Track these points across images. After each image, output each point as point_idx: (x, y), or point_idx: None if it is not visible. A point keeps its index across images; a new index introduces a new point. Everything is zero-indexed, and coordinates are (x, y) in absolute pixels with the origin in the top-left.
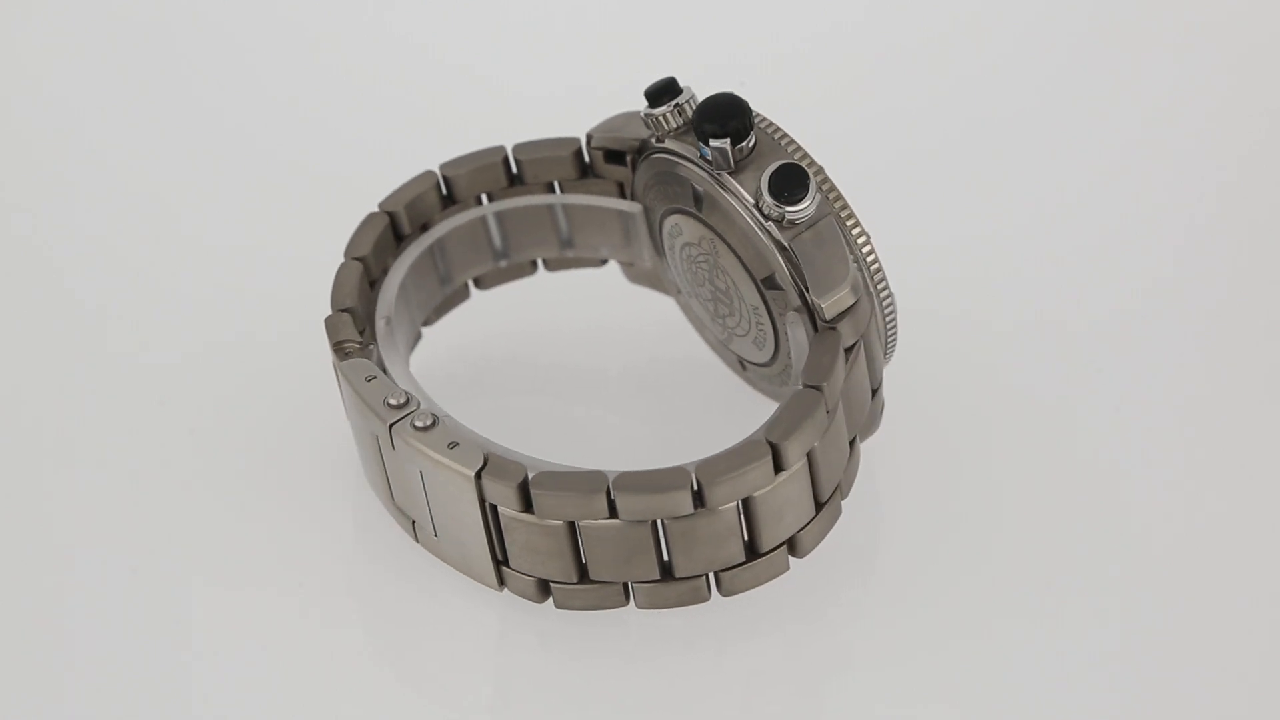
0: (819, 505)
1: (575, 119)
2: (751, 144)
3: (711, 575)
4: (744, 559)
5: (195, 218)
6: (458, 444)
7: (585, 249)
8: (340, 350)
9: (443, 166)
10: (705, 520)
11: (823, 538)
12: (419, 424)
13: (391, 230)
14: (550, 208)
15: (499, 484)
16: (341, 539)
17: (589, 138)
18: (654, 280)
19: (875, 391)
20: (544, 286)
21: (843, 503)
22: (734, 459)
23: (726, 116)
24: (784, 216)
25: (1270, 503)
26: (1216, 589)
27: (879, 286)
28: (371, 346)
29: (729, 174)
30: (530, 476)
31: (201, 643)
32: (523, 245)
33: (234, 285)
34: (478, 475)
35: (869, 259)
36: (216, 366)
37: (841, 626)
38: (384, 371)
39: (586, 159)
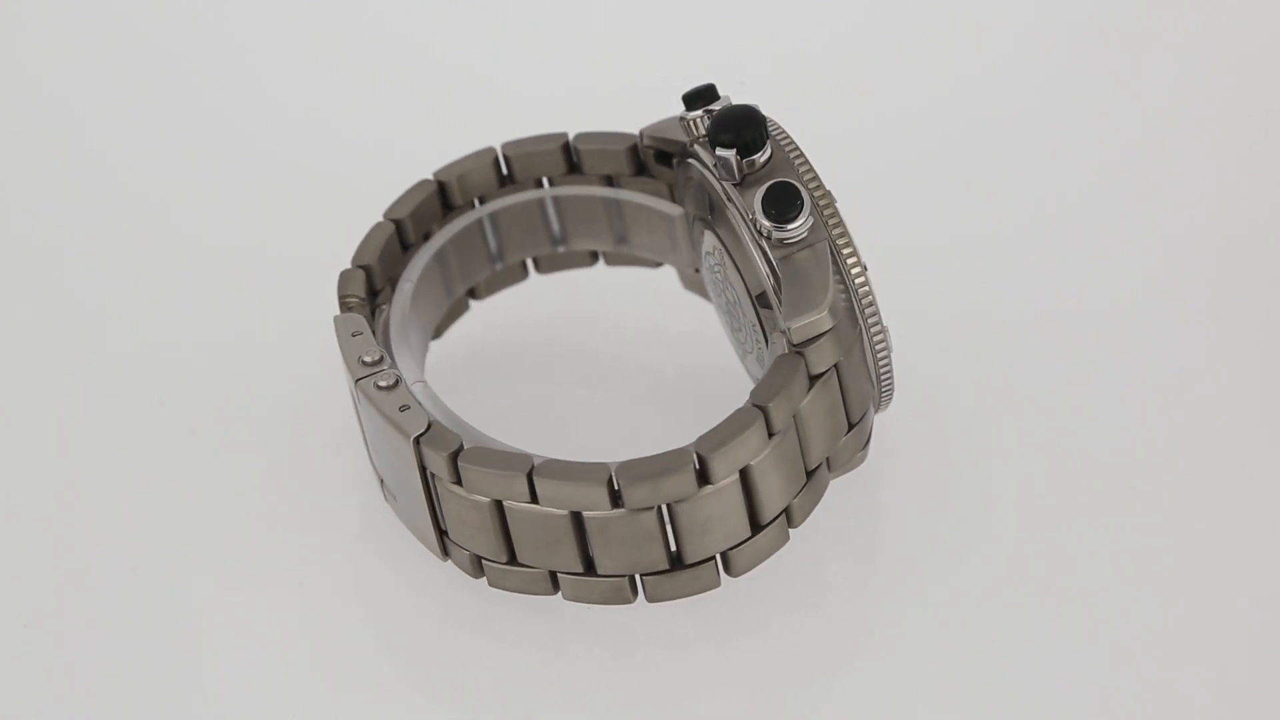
0: (758, 526)
1: (575, 119)
2: (764, 159)
3: (637, 578)
4: (668, 566)
5: (194, 217)
6: (409, 408)
7: (639, 247)
8: (344, 304)
9: (504, 146)
10: (623, 520)
11: (761, 560)
12: (381, 384)
13: (440, 199)
14: (605, 201)
15: (434, 452)
16: (344, 539)
17: (641, 135)
18: (701, 288)
19: (854, 426)
20: (603, 280)
21: (792, 531)
22: (655, 464)
23: (736, 127)
24: (773, 235)
25: (1270, 501)
26: (1216, 588)
27: (869, 321)
28: (384, 307)
29: (735, 186)
30: (463, 449)
31: (202, 642)
32: (579, 234)
33: (234, 285)
34: (416, 441)
35: (862, 291)
36: (217, 366)
37: (840, 626)
38: (387, 333)
39: (641, 156)
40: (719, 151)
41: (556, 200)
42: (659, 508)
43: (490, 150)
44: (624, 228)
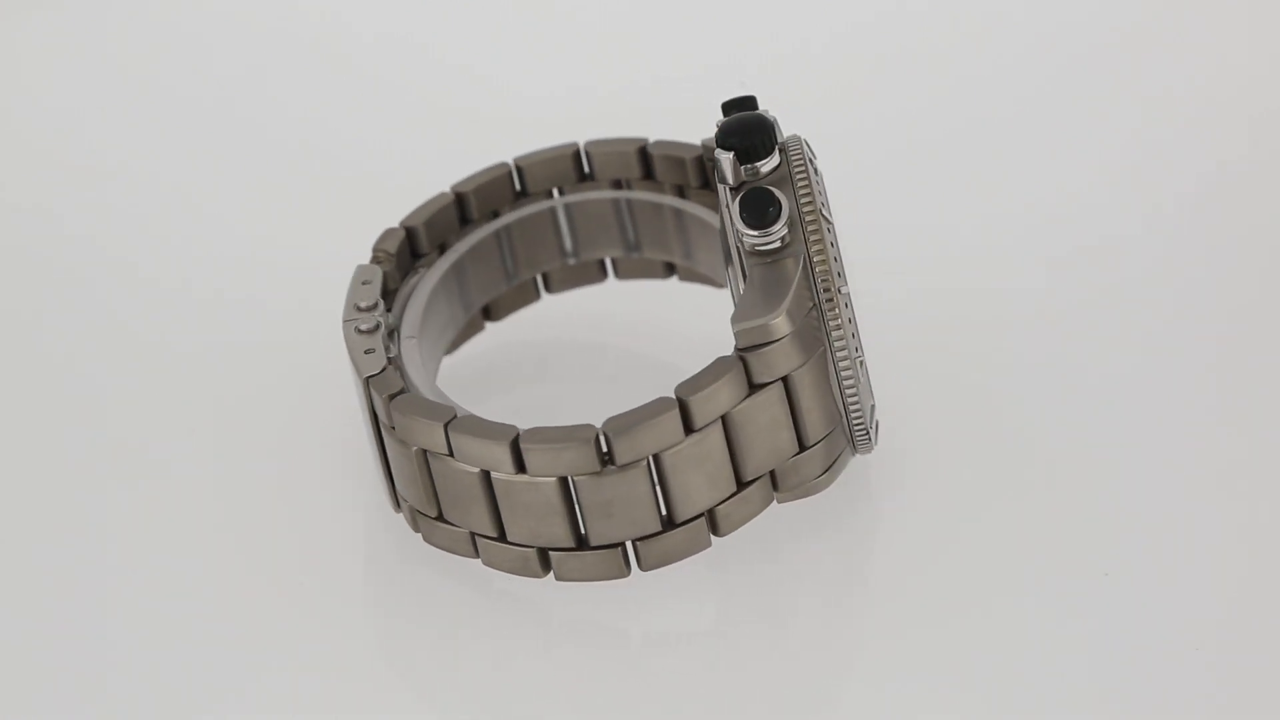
0: (670, 523)
1: (579, 122)
2: (769, 169)
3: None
4: (573, 545)
5: (198, 221)
6: (374, 351)
7: (702, 264)
8: (374, 256)
9: (587, 144)
10: (524, 486)
11: (672, 559)
12: (361, 327)
13: (513, 186)
14: (673, 210)
15: (378, 395)
16: (348, 540)
17: (703, 147)
18: None
19: (808, 448)
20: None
21: (715, 539)
22: (558, 435)
23: (742, 131)
24: (745, 239)
25: (1270, 503)
26: (1216, 592)
27: (837, 350)
28: (420, 271)
29: (731, 190)
30: (397, 395)
31: (202, 642)
32: (649, 242)
33: (235, 284)
34: (367, 381)
35: (830, 316)
36: (218, 366)
37: (841, 627)
38: (404, 295)
39: (705, 168)
40: (718, 153)
41: (629, 204)
42: (557, 479)
43: (573, 145)
44: (688, 243)
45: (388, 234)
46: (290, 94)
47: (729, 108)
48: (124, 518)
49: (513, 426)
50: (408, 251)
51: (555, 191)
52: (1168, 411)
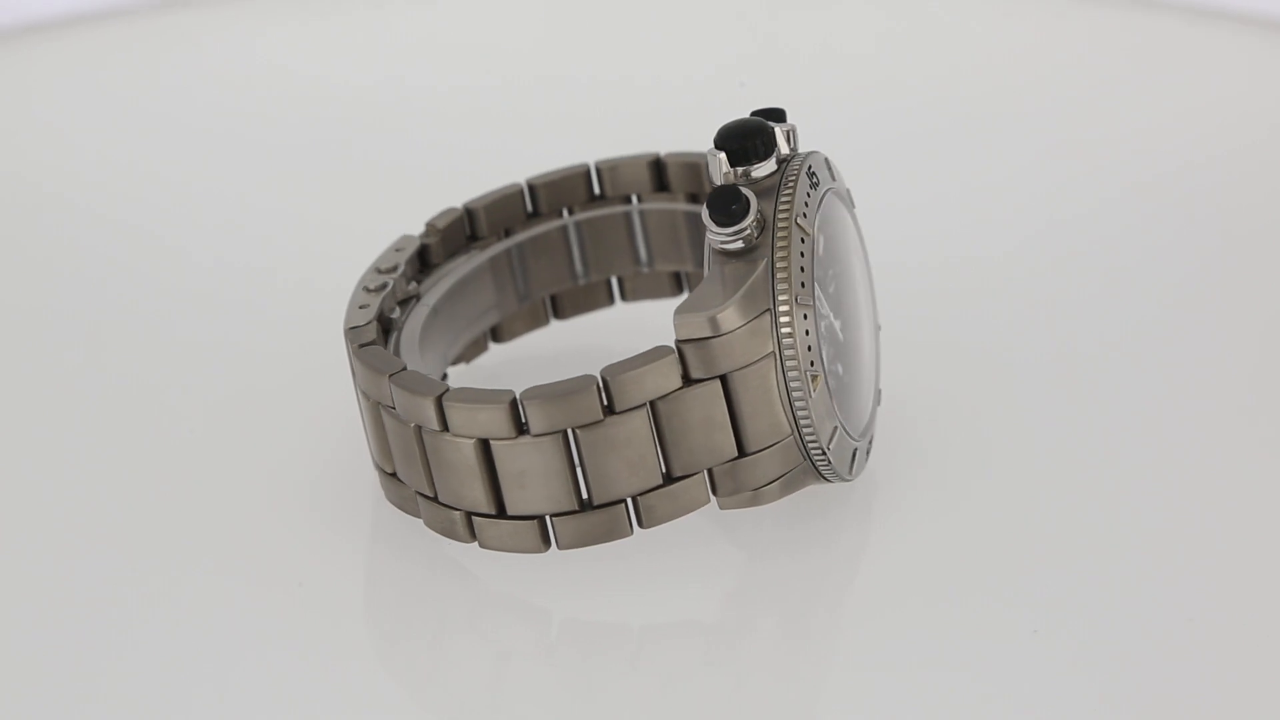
0: (583, 504)
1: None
2: (763, 175)
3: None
4: (493, 512)
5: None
6: (367, 306)
7: None
8: (426, 229)
9: (599, 163)
10: (447, 443)
11: (587, 541)
12: (368, 285)
13: (588, 187)
14: (685, 214)
15: (349, 344)
16: (352, 542)
17: None
18: None
19: (748, 455)
20: None
21: (640, 529)
22: (478, 396)
23: (739, 133)
24: (708, 234)
25: (1269, 504)
26: (1215, 596)
27: (786, 363)
28: (468, 254)
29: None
30: (365, 346)
31: (202, 643)
32: (661, 254)
33: (238, 283)
34: (349, 330)
35: (784, 330)
36: (219, 366)
37: (842, 628)
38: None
39: None
40: (709, 153)
41: (642, 215)
42: (476, 441)
43: (584, 165)
44: (699, 247)
45: (447, 211)
46: (301, 112)
47: (761, 116)
48: (123, 517)
49: (445, 385)
50: (464, 231)
51: (565, 211)
52: (1168, 416)
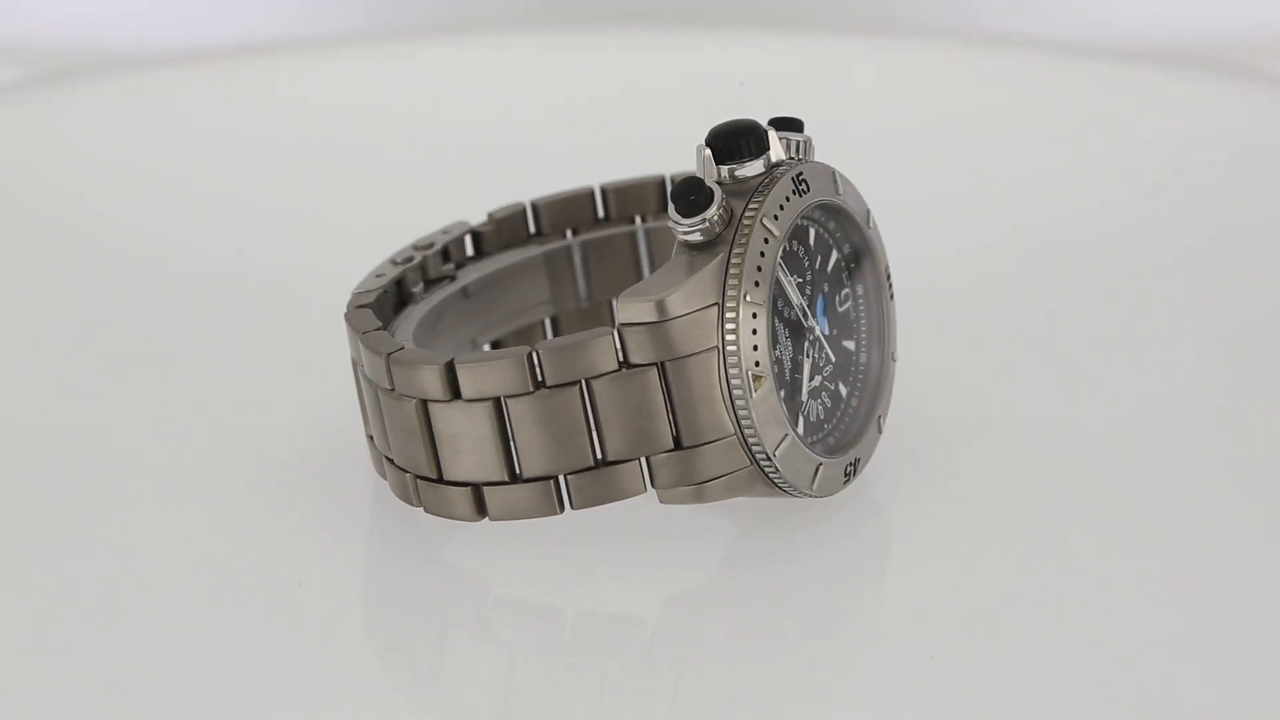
0: (514, 475)
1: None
2: (748, 175)
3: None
4: (433, 475)
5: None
6: (383, 275)
7: None
8: (489, 218)
9: (604, 185)
10: (393, 402)
11: (517, 514)
12: (395, 259)
13: (659, 195)
14: None
15: (349, 307)
16: (353, 542)
17: None
18: None
19: (684, 449)
20: None
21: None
22: (418, 357)
23: (729, 131)
24: (669, 221)
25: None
26: (1215, 596)
27: (727, 359)
28: (525, 248)
29: None
30: (358, 304)
31: (202, 643)
32: None
33: (239, 283)
34: (354, 293)
35: (728, 328)
36: (219, 366)
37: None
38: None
39: None
40: (697, 149)
41: (648, 234)
42: (418, 402)
43: (588, 187)
44: None
45: (509, 207)
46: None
47: (777, 124)
48: (122, 518)
49: (399, 343)
50: (525, 226)
51: (638, 218)
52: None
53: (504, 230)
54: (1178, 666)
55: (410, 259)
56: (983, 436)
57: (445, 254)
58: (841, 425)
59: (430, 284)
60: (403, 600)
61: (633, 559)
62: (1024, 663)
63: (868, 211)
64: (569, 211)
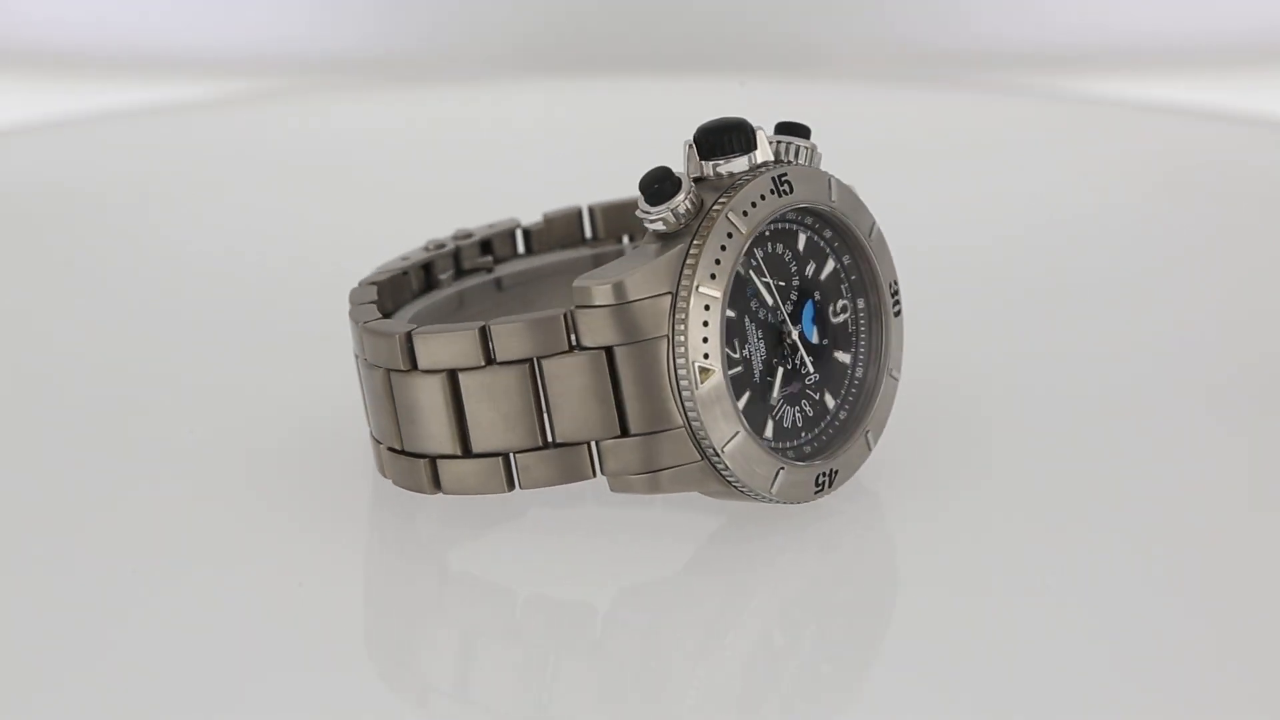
0: (466, 450)
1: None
2: (731, 172)
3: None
4: (397, 446)
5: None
6: (407, 258)
7: None
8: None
9: (592, 205)
10: (365, 367)
11: (468, 489)
12: (427, 246)
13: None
14: None
15: (358, 285)
16: (354, 543)
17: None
18: None
19: (630, 436)
20: None
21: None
22: (383, 327)
23: (706, 128)
24: (638, 209)
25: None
26: (1215, 597)
27: (676, 337)
28: (577, 250)
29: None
30: (371, 281)
31: (202, 644)
32: None
33: (241, 282)
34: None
35: (678, 319)
36: (219, 365)
37: (846, 626)
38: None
39: None
40: (685, 142)
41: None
42: (386, 372)
43: (576, 206)
44: None
45: (565, 208)
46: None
47: (781, 128)
48: (123, 518)
49: (376, 314)
50: (579, 228)
51: (625, 238)
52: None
53: (556, 230)
54: (1178, 667)
55: (443, 246)
56: (982, 436)
57: (485, 246)
58: (824, 436)
59: (462, 273)
60: (403, 600)
61: (660, 559)
62: (1024, 663)
63: (871, 224)
64: (626, 216)
